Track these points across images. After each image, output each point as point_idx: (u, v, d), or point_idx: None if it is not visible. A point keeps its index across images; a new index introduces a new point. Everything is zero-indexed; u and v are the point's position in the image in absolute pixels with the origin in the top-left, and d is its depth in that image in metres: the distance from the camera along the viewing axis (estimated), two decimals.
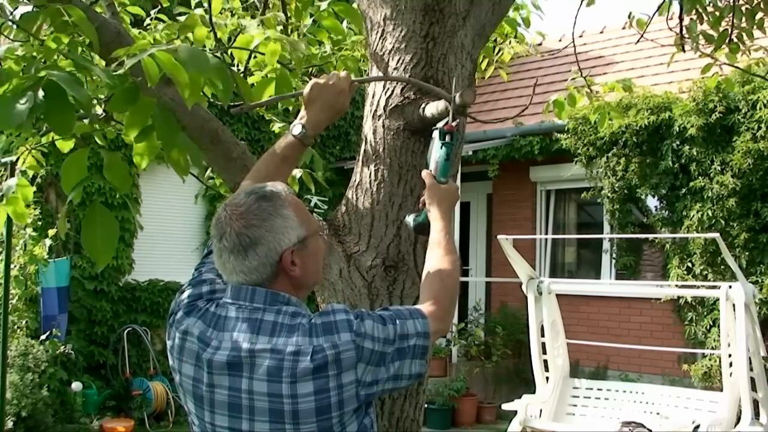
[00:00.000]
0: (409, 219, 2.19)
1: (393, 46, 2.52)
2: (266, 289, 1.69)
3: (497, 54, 5.56)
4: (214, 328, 1.69)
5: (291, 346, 1.60)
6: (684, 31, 4.13)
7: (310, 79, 2.25)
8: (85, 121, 2.49)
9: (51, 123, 1.81)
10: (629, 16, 4.38)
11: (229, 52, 3.19)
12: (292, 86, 3.11)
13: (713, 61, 4.30)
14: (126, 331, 8.97)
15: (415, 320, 1.71)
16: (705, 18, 4.08)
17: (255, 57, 3.27)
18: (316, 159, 3.53)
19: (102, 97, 2.58)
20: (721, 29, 4.05)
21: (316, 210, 10.20)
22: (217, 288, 1.81)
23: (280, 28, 3.43)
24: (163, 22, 3.67)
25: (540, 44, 7.13)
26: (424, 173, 2.12)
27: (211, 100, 3.32)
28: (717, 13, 4.01)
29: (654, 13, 4.17)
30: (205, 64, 1.87)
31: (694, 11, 4.07)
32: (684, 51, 4.22)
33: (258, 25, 3.18)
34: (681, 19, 4.09)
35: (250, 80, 3.03)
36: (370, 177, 2.49)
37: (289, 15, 3.56)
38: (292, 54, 3.10)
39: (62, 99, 1.77)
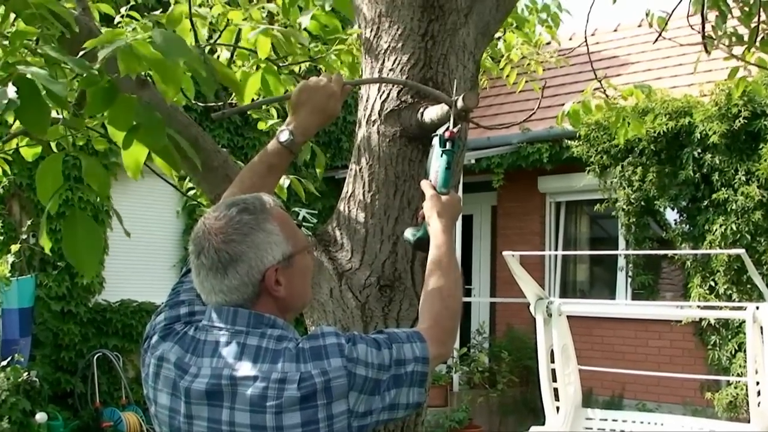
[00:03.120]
0: (407, 234, 2.19)
1: (389, 46, 2.53)
2: (249, 311, 1.68)
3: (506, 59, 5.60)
4: (193, 354, 1.69)
5: (276, 373, 1.59)
6: (709, 30, 4.12)
7: (298, 78, 2.26)
8: (59, 125, 2.49)
9: (24, 122, 1.81)
10: (647, 14, 4.38)
11: (210, 48, 3.20)
12: (278, 79, 3.12)
13: (741, 63, 4.28)
14: (96, 357, 8.94)
15: (412, 344, 1.71)
16: (731, 15, 4.06)
17: (237, 52, 3.29)
18: (318, 154, 3.53)
19: (71, 101, 2.58)
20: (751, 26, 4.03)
21: (304, 224, 10.20)
22: (197, 310, 1.80)
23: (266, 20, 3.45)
24: (135, 20, 3.68)
25: (548, 43, 7.19)
26: (423, 184, 2.12)
27: (191, 103, 3.33)
28: (746, 9, 3.99)
29: (673, 10, 4.17)
30: (185, 50, 1.87)
31: (716, 8, 4.06)
32: (708, 53, 4.21)
33: (244, 19, 3.20)
34: (703, 16, 4.09)
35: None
36: (363, 188, 2.49)
37: (276, 12, 3.57)
38: (286, 45, 3.11)
39: (35, 96, 1.77)
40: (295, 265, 1.72)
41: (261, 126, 3.98)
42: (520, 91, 11.41)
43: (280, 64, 3.44)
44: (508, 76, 5.77)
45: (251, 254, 1.67)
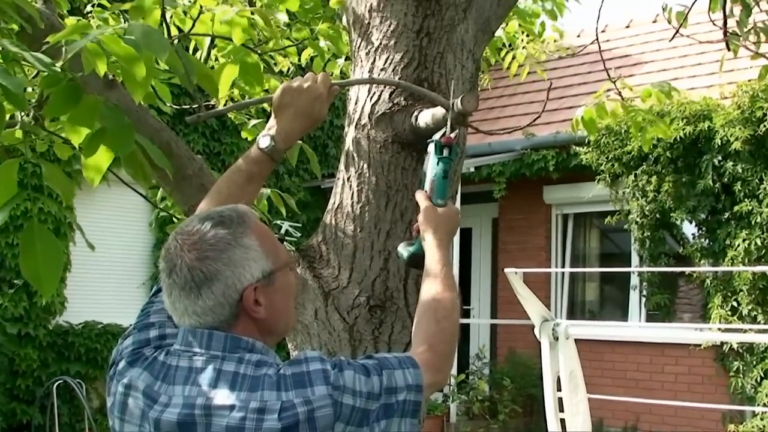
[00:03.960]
0: (400, 249, 2.19)
1: (380, 43, 2.54)
2: (226, 334, 1.68)
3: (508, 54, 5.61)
4: (163, 381, 1.68)
5: (255, 402, 1.59)
6: (732, 25, 4.13)
7: (283, 78, 2.26)
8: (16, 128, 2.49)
9: None
10: (663, 8, 4.39)
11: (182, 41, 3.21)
12: (260, 71, 3.11)
13: None
14: (56, 385, 8.89)
15: (405, 370, 1.71)
16: (759, 8, 4.06)
17: (216, 46, 3.29)
18: (310, 154, 3.53)
19: (32, 101, 2.58)
20: None
21: (287, 238, 10.21)
22: (168, 333, 1.80)
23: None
24: (107, 9, 3.70)
25: (556, 41, 7.22)
26: (418, 194, 2.12)
27: (163, 106, 3.33)
28: None
29: (693, 4, 4.18)
30: (163, 45, 1.87)
31: (741, 1, 4.07)
32: (730, 50, 4.22)
33: (217, 4, 3.21)
34: (724, 10, 4.10)
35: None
36: (352, 198, 2.50)
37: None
38: (266, 28, 3.12)
39: None
40: (276, 283, 1.72)
41: (244, 134, 3.98)
42: (524, 93, 11.50)
43: (260, 52, 3.44)
44: (509, 66, 5.74)
45: (227, 272, 1.67)
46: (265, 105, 4.20)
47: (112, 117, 1.99)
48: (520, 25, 5.55)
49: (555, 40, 6.73)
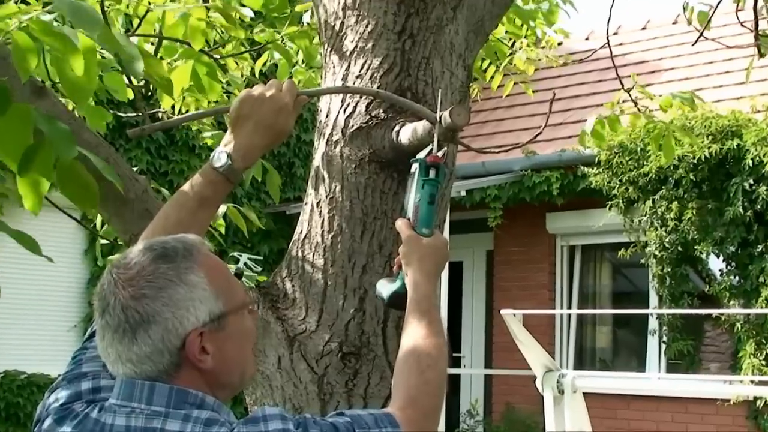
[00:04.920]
0: (379, 287, 2.19)
1: (356, 46, 2.55)
2: (170, 386, 1.67)
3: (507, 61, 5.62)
4: None
5: None
6: (764, 27, 4.17)
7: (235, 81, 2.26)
8: None
9: None
10: (685, 8, 4.42)
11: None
12: (216, 73, 3.11)
13: None
14: None
15: (382, 430, 1.70)
16: None
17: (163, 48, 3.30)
18: (270, 172, 3.51)
19: None
20: None
21: (246, 273, 10.18)
22: (103, 385, 1.79)
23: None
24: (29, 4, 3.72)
25: (560, 44, 7.24)
26: (399, 222, 2.12)
27: (114, 110, 3.32)
28: None
29: (719, 2, 4.21)
30: (95, 20, 1.85)
31: None
32: (762, 55, 4.25)
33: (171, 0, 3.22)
34: (755, 10, 4.13)
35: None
36: (322, 227, 2.50)
37: None
38: (226, 27, 3.13)
39: None
40: (228, 327, 1.71)
41: (207, 140, 3.96)
42: (523, 105, 11.54)
43: (216, 56, 3.44)
44: (492, 78, 5.75)
45: (167, 314, 1.65)
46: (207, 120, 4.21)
47: (50, 126, 1.98)
48: (507, 31, 5.58)
49: (559, 43, 6.75)
